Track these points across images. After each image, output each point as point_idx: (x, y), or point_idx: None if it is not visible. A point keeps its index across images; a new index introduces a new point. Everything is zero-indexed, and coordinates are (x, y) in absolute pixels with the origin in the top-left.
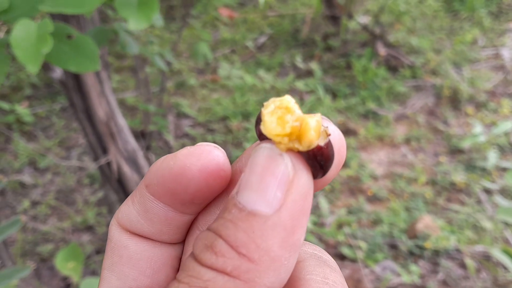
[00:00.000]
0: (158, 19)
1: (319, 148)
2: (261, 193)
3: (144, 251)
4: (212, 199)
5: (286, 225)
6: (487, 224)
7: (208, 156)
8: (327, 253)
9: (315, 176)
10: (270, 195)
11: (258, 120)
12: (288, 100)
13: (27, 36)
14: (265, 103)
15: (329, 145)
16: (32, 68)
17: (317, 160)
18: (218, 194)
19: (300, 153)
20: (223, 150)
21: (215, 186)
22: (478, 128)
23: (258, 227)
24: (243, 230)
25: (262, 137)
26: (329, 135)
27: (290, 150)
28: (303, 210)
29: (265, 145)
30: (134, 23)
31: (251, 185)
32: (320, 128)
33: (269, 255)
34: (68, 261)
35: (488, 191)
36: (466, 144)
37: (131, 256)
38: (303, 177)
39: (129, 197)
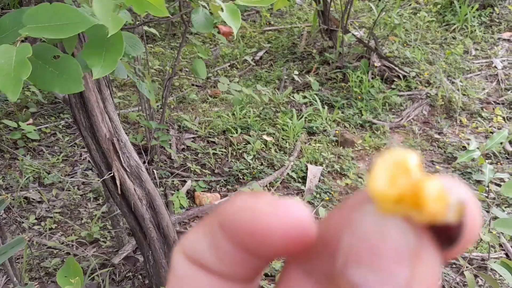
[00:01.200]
0: (136, 48)
1: (446, 227)
2: (381, 270)
3: (213, 286)
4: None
5: None
6: (483, 232)
7: (293, 218)
8: None
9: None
10: (395, 273)
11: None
12: (410, 158)
13: (7, 62)
14: (383, 151)
15: (461, 226)
16: (12, 97)
17: (438, 235)
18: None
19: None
20: (309, 210)
21: (294, 249)
22: (473, 144)
23: None
24: None
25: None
26: (463, 215)
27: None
28: None
29: (371, 207)
30: (98, 72)
31: (363, 258)
32: (443, 198)
33: None
34: (68, 277)
35: (483, 201)
36: (462, 160)
37: None
38: (431, 249)
39: (199, 226)
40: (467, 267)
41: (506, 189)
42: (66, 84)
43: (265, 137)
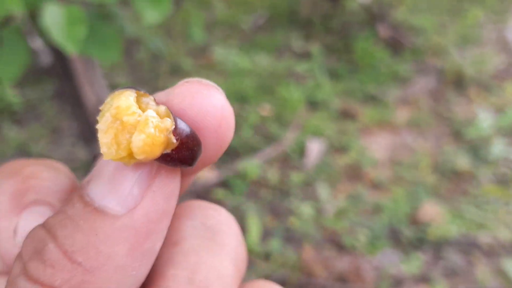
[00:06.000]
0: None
1: (166, 156)
2: (114, 186)
3: None
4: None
5: (140, 229)
6: (490, 211)
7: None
8: (224, 212)
9: (182, 169)
10: (125, 190)
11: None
12: (124, 105)
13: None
14: (101, 107)
15: (180, 149)
16: (72, 48)
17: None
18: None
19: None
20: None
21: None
22: (482, 116)
23: (103, 229)
24: (83, 232)
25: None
26: (175, 144)
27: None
28: (164, 213)
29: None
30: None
31: (105, 175)
32: (160, 131)
33: (112, 263)
34: None
35: (492, 179)
36: (470, 134)
37: None
38: (170, 173)
39: None
40: None
41: None
42: (105, 51)
43: (263, 112)
